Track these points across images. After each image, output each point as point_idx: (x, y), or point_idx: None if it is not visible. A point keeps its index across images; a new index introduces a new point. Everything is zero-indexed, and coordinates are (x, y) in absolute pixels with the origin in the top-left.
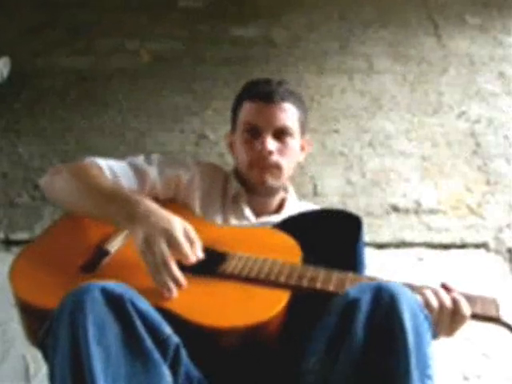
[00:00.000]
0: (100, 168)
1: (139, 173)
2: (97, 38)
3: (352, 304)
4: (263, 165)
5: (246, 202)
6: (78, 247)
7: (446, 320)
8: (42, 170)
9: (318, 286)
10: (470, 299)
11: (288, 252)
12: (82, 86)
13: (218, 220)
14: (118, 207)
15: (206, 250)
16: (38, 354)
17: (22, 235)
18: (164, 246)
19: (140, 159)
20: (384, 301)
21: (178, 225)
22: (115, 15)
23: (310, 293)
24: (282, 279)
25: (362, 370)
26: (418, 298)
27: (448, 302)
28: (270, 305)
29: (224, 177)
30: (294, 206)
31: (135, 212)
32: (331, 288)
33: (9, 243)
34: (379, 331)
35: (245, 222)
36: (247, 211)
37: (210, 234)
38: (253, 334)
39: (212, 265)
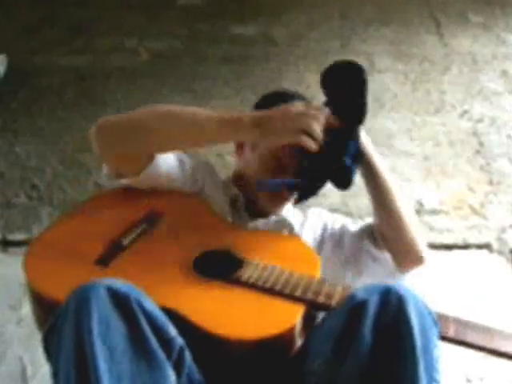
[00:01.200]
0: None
1: (179, 157)
2: (95, 37)
3: (359, 306)
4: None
5: (244, 207)
6: (95, 239)
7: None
8: (39, 170)
9: (334, 303)
10: (488, 332)
11: (307, 263)
12: (81, 84)
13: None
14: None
15: (224, 254)
16: (36, 356)
17: (19, 236)
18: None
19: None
20: (392, 303)
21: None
22: (114, 13)
23: (325, 309)
24: (298, 293)
25: (369, 373)
26: None
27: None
28: (282, 319)
29: (222, 183)
30: (289, 206)
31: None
32: None
33: (6, 244)
34: (387, 334)
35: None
36: (244, 215)
37: (230, 236)
38: (262, 347)
39: (227, 270)
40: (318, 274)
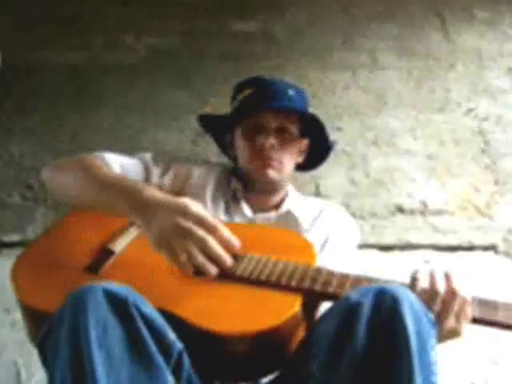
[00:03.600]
0: (105, 160)
1: (147, 166)
2: (92, 33)
3: (353, 308)
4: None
5: (244, 197)
6: (81, 247)
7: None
8: (34, 170)
9: (332, 290)
10: (491, 305)
11: (302, 253)
12: (76, 82)
13: (224, 219)
14: (126, 196)
15: None
16: (30, 360)
17: (13, 237)
18: (189, 224)
19: (148, 155)
20: (386, 304)
21: (191, 202)
22: (111, 9)
23: (324, 297)
24: (294, 283)
25: (364, 377)
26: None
27: (441, 285)
28: (280, 310)
29: (228, 176)
30: (295, 200)
31: (143, 198)
32: (345, 293)
33: (0, 245)
34: (381, 336)
35: (244, 219)
36: (245, 207)
37: None
38: (262, 341)
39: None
40: (314, 263)
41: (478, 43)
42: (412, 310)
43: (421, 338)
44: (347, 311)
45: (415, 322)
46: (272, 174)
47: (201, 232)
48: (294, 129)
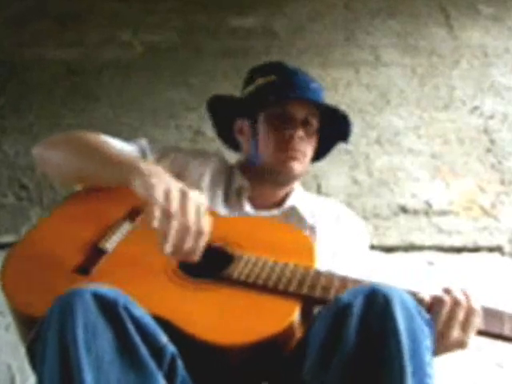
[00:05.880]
0: (101, 136)
1: (143, 150)
2: (87, 29)
3: (344, 309)
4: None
5: (248, 196)
6: (72, 244)
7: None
8: (28, 169)
9: (332, 295)
10: (497, 316)
11: (302, 253)
12: (72, 79)
13: (222, 212)
14: (129, 164)
15: (212, 249)
16: (24, 364)
17: (7, 238)
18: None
19: (144, 141)
20: (377, 304)
21: (194, 194)
22: (107, 4)
23: (323, 303)
24: (293, 288)
25: (355, 378)
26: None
27: (463, 298)
28: (278, 318)
29: (229, 170)
30: (300, 197)
31: (147, 168)
32: None
33: None
34: (372, 336)
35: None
36: (246, 204)
37: (219, 227)
38: (260, 349)
39: (217, 267)
40: (314, 264)
41: (483, 40)
42: (404, 310)
43: (414, 338)
44: (338, 312)
45: (408, 322)
46: (297, 167)
47: (191, 205)
48: (315, 122)
